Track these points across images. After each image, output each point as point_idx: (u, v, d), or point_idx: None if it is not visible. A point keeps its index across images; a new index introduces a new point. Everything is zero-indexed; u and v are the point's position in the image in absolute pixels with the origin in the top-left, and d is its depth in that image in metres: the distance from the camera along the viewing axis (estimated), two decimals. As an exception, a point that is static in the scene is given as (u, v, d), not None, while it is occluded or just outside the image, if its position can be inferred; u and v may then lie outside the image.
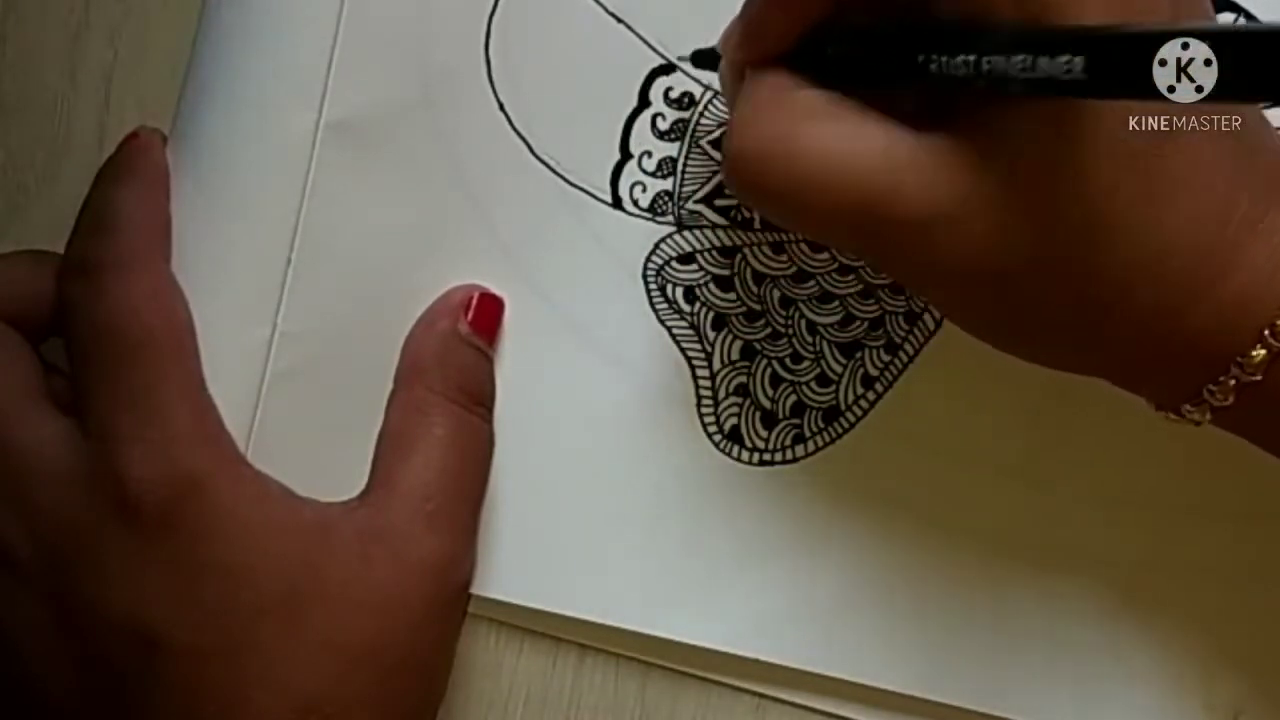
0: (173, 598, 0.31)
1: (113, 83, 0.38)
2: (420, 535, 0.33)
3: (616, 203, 0.36)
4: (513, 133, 0.36)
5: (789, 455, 0.36)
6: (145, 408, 0.32)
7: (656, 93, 0.36)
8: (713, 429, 0.36)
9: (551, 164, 0.36)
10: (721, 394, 0.36)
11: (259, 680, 0.31)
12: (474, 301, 0.35)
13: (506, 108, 0.36)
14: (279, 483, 0.33)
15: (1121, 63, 0.23)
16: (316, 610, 0.32)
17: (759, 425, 0.36)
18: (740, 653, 0.36)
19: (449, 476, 0.34)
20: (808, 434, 0.36)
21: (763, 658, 0.36)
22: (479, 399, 0.35)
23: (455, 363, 0.35)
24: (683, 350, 0.36)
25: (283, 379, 0.34)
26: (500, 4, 0.36)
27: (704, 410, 0.36)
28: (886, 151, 0.28)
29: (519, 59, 0.36)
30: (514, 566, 0.36)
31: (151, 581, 0.31)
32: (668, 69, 0.36)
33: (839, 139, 0.28)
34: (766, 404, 0.36)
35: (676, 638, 0.36)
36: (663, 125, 0.36)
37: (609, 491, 0.36)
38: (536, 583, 0.36)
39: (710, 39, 0.33)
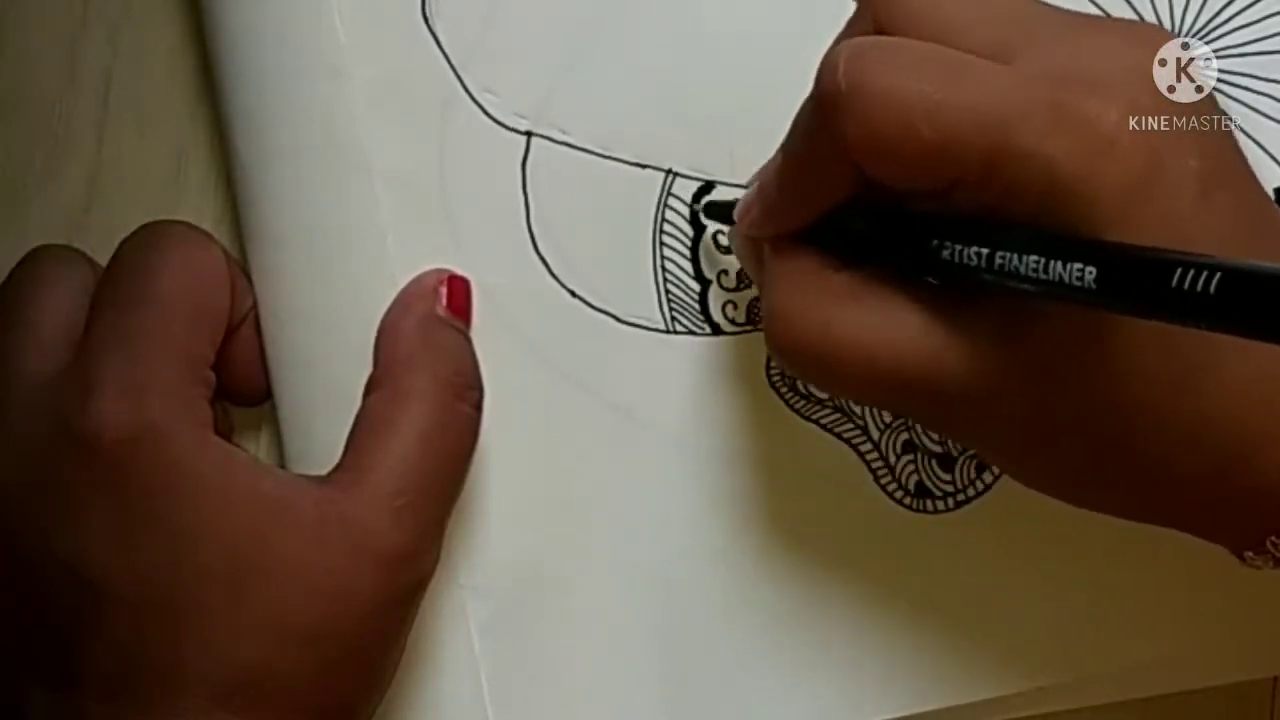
0: (118, 546, 0.31)
1: (112, 83, 0.37)
2: (384, 529, 0.32)
3: (715, 330, 0.37)
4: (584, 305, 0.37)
5: (980, 486, 0.37)
6: (135, 351, 0.32)
7: (707, 213, 0.37)
8: (899, 493, 0.36)
9: (644, 323, 0.37)
10: (892, 458, 0.36)
11: (198, 646, 0.31)
12: (446, 284, 0.35)
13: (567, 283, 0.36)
14: (246, 453, 0.33)
15: (1134, 280, 0.23)
16: (263, 585, 0.31)
17: (939, 471, 0.37)
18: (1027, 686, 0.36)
19: (425, 474, 0.33)
20: (989, 458, 0.37)
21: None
22: (467, 383, 0.35)
23: (438, 346, 0.34)
24: (838, 435, 0.36)
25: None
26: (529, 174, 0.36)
27: (883, 480, 0.36)
28: (921, 330, 0.29)
29: (560, 230, 0.36)
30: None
31: (99, 526, 0.31)
32: (707, 188, 0.37)
33: (875, 323, 0.29)
34: (937, 448, 0.37)
35: (960, 701, 0.36)
36: (725, 240, 0.37)
37: (835, 592, 0.36)
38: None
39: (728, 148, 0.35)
